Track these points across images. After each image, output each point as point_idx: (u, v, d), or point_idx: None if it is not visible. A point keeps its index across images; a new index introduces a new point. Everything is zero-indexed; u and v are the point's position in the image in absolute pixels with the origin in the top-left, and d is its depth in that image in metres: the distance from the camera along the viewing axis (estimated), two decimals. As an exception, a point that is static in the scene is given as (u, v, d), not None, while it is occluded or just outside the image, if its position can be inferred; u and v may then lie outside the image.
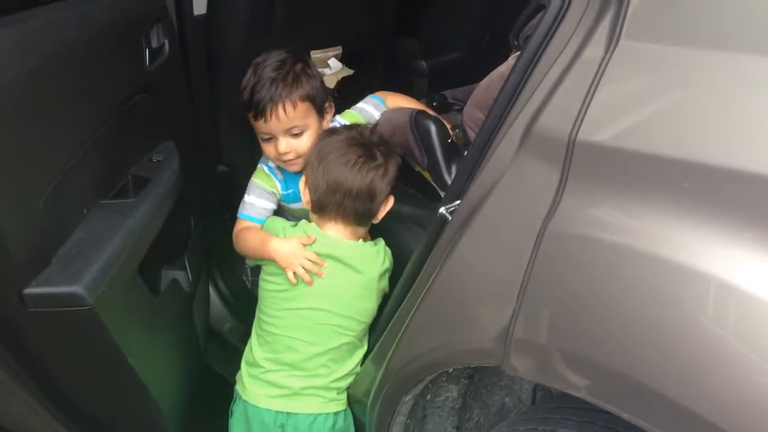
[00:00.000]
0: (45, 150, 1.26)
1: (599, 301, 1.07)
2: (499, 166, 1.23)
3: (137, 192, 1.55)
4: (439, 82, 2.45)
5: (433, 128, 2.01)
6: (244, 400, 1.73)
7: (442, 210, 1.36)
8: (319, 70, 2.19)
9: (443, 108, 2.11)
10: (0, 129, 1.13)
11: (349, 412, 1.78)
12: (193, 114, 1.91)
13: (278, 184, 1.84)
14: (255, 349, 1.75)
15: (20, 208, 1.21)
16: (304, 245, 1.65)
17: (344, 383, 1.74)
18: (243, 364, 1.79)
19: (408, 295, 1.45)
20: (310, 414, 1.70)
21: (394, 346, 1.48)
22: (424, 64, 2.61)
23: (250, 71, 1.75)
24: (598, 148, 1.08)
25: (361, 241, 1.70)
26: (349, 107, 2.44)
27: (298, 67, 1.75)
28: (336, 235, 1.68)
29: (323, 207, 1.66)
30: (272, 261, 1.68)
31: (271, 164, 1.86)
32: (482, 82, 1.88)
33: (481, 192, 1.26)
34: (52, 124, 1.27)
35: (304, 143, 1.75)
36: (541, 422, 1.32)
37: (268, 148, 1.78)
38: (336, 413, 1.73)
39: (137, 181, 1.59)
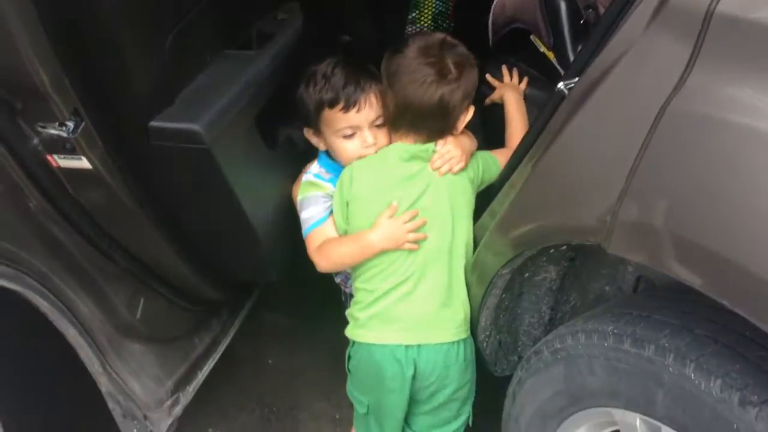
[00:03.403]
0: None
1: (720, 186, 1.03)
2: (626, 41, 1.16)
3: (260, 46, 1.59)
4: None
5: (563, 6, 1.92)
6: (368, 344, 1.64)
7: (560, 85, 1.32)
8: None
9: (578, -14, 1.99)
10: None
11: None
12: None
13: (328, 185, 1.71)
14: (367, 307, 1.65)
15: (148, 45, 1.27)
16: (392, 215, 1.58)
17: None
18: (355, 316, 1.67)
19: (518, 169, 1.43)
20: (443, 344, 1.62)
21: (499, 216, 1.48)
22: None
23: (318, 74, 1.64)
24: (738, 23, 1.01)
25: None
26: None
27: (365, 66, 1.67)
28: (410, 143, 1.62)
29: (395, 125, 1.62)
30: (379, 253, 1.61)
31: (314, 170, 1.74)
32: (622, -43, 1.76)
33: (603, 67, 1.20)
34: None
35: (385, 134, 1.66)
36: (638, 307, 1.31)
37: (349, 145, 1.65)
38: (465, 340, 1.66)
39: (261, 35, 1.62)
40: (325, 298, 2.10)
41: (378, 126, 1.66)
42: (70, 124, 1.24)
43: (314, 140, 1.73)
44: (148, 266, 1.64)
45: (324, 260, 1.68)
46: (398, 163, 1.61)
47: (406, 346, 1.60)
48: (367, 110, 1.63)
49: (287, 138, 1.79)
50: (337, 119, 1.63)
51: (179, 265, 1.62)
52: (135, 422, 1.78)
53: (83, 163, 1.30)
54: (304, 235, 1.70)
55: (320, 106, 1.64)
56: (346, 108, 1.62)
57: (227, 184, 1.45)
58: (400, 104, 1.57)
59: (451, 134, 1.63)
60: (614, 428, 1.38)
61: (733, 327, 1.16)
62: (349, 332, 1.69)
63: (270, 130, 1.71)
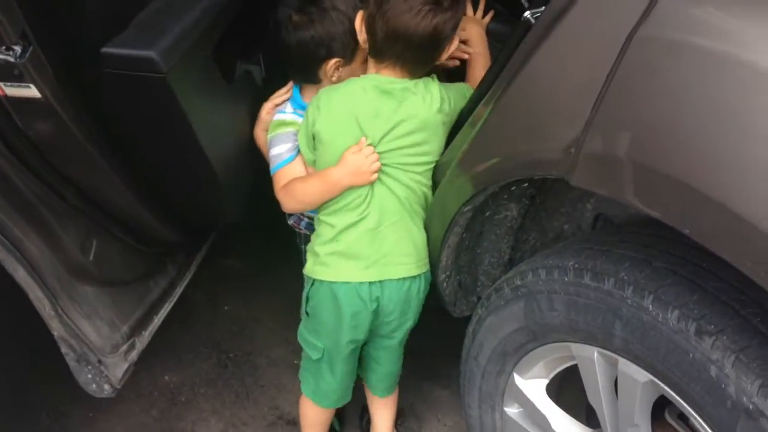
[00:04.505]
0: None
1: (689, 114, 1.01)
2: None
3: None
4: None
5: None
6: (330, 282, 1.60)
7: (527, 14, 1.31)
8: None
9: None
10: None
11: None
12: None
13: (298, 119, 1.68)
14: (329, 242, 1.61)
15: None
16: (358, 152, 1.54)
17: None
18: (315, 252, 1.63)
19: (481, 103, 1.41)
20: (405, 278, 1.61)
21: (462, 150, 1.46)
22: None
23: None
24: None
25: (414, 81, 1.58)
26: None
27: None
28: (391, 76, 1.57)
29: (381, 54, 1.55)
30: (346, 190, 1.57)
31: (287, 109, 1.72)
32: None
33: (572, -7, 1.19)
34: None
35: None
36: (598, 242, 1.32)
37: None
38: (424, 274, 1.65)
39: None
40: (281, 243, 2.08)
41: None
42: (18, 49, 1.18)
43: (337, 73, 1.66)
44: (102, 205, 1.60)
45: (289, 199, 1.65)
46: (372, 96, 1.55)
47: (370, 283, 1.58)
48: None
49: (246, 73, 1.74)
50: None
51: (134, 203, 1.58)
52: (89, 367, 1.73)
53: (32, 92, 1.24)
54: (271, 174, 1.67)
55: None
56: None
57: (184, 116, 1.41)
58: (391, 32, 1.49)
59: (434, 64, 1.58)
60: (572, 362, 1.40)
61: (691, 259, 1.18)
62: (309, 270, 1.65)
63: (228, 64, 1.66)
